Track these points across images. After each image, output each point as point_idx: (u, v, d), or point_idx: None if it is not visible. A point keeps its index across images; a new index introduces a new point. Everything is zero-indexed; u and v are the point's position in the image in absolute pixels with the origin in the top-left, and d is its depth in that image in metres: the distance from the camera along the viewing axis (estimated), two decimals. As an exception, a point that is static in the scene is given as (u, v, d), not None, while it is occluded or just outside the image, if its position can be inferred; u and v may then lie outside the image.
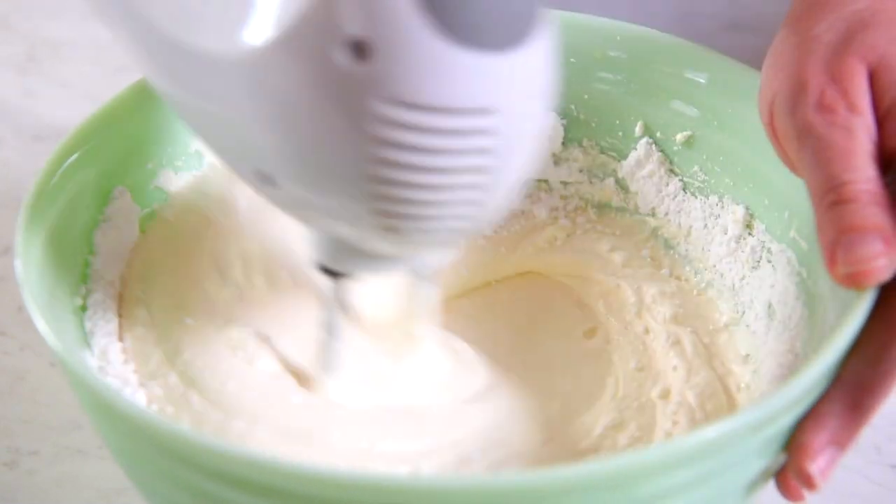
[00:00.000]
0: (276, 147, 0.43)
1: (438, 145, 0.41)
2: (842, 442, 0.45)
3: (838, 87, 0.47)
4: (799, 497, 0.47)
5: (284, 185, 0.45)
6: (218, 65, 0.43)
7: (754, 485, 0.46)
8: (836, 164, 0.46)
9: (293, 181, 0.44)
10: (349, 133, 0.41)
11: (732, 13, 0.90)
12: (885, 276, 0.44)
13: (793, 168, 0.49)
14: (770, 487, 0.47)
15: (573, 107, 0.64)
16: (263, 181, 0.45)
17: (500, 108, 0.42)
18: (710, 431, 0.41)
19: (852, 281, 0.45)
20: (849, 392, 0.45)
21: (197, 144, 0.61)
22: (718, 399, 0.54)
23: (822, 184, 0.46)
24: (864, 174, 0.45)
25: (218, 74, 0.44)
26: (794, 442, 0.45)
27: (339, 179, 0.42)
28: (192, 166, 0.61)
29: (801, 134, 0.47)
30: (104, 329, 0.54)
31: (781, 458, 0.46)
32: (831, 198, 0.45)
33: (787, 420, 0.44)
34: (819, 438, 0.45)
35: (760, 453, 0.44)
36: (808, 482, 0.45)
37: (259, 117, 0.43)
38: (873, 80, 0.48)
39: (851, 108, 0.47)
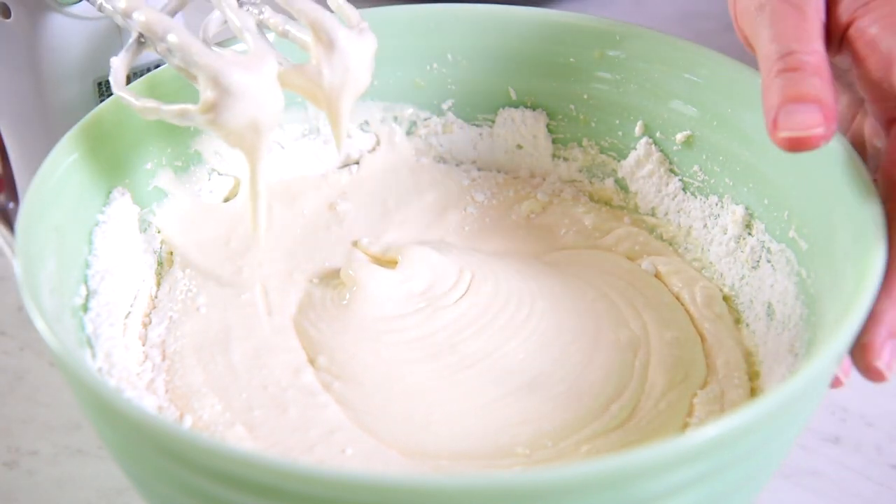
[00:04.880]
0: None
1: None
2: None
3: None
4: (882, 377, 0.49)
5: None
6: None
7: (754, 483, 0.46)
8: (786, 35, 0.50)
9: None
10: None
11: (732, 13, 0.89)
12: (820, 145, 0.47)
13: (748, 45, 0.53)
14: (770, 487, 0.47)
15: (573, 107, 0.64)
16: None
17: None
18: (710, 430, 0.41)
19: (791, 145, 0.47)
20: None
21: (197, 145, 0.61)
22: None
23: (771, 53, 0.50)
24: (810, 46, 0.49)
25: None
26: (858, 344, 0.47)
27: None
28: (191, 166, 0.61)
29: (757, 8, 0.52)
30: (108, 332, 0.54)
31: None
32: (779, 66, 0.49)
33: (786, 419, 0.44)
34: (879, 335, 0.47)
35: (759, 452, 0.44)
36: (878, 377, 0.48)
37: None
38: None
39: None
